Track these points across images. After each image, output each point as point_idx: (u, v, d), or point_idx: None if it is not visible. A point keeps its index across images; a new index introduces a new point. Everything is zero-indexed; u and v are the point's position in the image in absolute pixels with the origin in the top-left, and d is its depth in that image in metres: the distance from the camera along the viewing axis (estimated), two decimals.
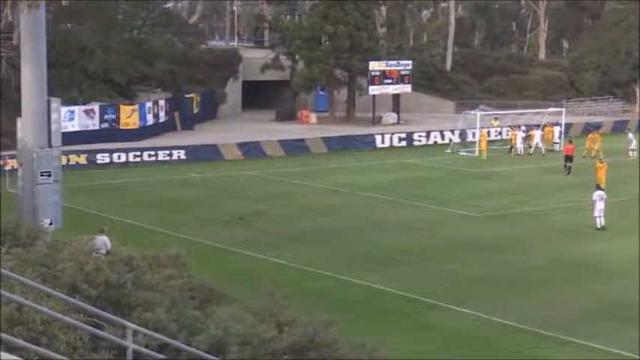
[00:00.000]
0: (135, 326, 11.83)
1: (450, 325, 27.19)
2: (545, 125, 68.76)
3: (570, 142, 56.52)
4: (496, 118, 73.09)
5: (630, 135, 66.95)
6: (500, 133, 70.81)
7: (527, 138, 65.49)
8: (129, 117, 64.64)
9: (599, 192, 40.29)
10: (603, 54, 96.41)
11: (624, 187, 49.28)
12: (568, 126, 71.11)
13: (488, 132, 69.69)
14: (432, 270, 33.29)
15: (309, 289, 29.72)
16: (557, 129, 68.46)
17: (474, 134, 66.99)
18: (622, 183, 50.01)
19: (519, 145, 64.21)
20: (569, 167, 54.92)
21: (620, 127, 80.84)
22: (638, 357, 24.47)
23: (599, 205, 39.81)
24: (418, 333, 26.41)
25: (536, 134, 65.55)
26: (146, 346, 12.00)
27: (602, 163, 50.67)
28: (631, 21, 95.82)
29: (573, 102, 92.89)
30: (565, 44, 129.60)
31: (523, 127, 67.28)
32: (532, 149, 64.63)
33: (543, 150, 64.54)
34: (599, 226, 39.79)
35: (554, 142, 66.58)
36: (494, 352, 24.99)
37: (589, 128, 78.29)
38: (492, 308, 28.39)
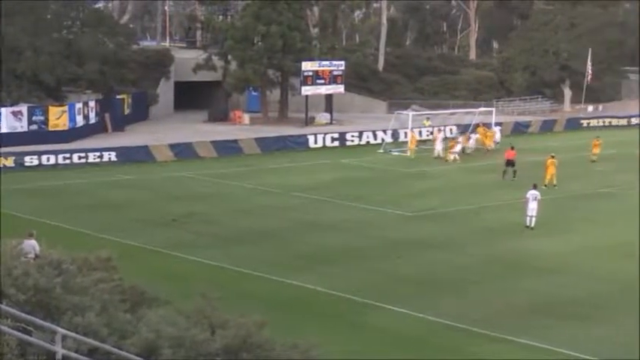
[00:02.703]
0: (64, 331, 11.66)
1: (384, 324, 27.23)
2: (477, 125, 69.29)
3: (512, 147, 56.01)
4: (428, 118, 73.56)
5: (495, 128, 68.84)
6: (431, 133, 71.26)
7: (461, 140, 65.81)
8: (58, 118, 63.87)
9: (533, 191, 40.63)
10: (532, 54, 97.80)
11: (561, 185, 50.09)
12: (498, 125, 71.74)
13: (420, 132, 70.12)
14: (366, 270, 33.33)
15: (243, 291, 29.59)
16: (497, 129, 69.34)
17: (406, 134, 67.34)
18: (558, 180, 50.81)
19: (438, 147, 63.13)
20: (514, 172, 53.10)
21: (548, 127, 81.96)
22: (568, 352, 24.78)
23: (532, 205, 40.20)
24: (352, 333, 26.42)
25: (472, 137, 65.67)
26: (76, 351, 11.83)
27: (553, 158, 51.27)
28: (559, 21, 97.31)
29: (503, 102, 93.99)
30: (495, 44, 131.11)
31: (448, 130, 68.19)
32: (471, 149, 64.78)
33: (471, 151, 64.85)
34: (527, 224, 40.19)
35: (496, 142, 66.89)
36: (428, 351, 25.11)
37: (519, 128, 79.36)
38: (426, 307, 28.53)
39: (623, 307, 29.28)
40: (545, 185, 49.27)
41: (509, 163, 53.95)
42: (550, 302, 29.70)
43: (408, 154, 63.11)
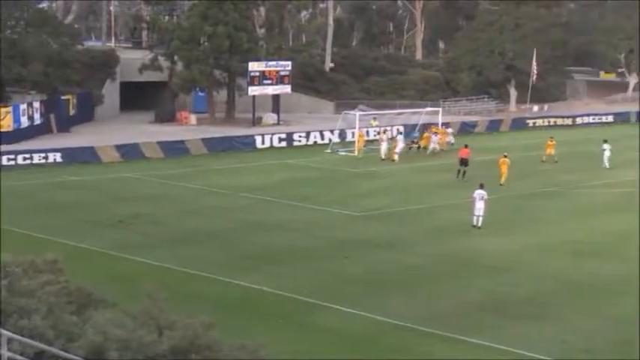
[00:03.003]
0: (10, 334, 11.53)
1: (332, 325, 27.25)
2: (425, 126, 69.62)
3: (466, 146, 55.95)
4: (375, 118, 73.80)
5: (448, 130, 70.19)
6: (378, 133, 71.43)
7: (419, 140, 66.16)
8: (2, 119, 63.03)
9: (480, 191, 40.84)
10: (478, 54, 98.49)
11: (503, 185, 50.52)
12: (445, 125, 72.16)
13: (367, 132, 70.26)
14: (315, 270, 33.36)
15: (191, 291, 29.47)
16: (450, 130, 69.72)
17: (353, 134, 67.50)
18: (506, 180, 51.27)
19: (383, 147, 62.55)
20: (464, 172, 53.21)
21: (494, 127, 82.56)
22: (520, 352, 24.98)
23: (479, 204, 40.44)
24: (300, 333, 26.43)
25: (434, 138, 65.68)
26: (22, 354, 11.71)
27: (505, 158, 51.81)
28: (504, 22, 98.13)
29: (450, 102, 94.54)
30: (441, 45, 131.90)
31: (395, 130, 68.47)
32: (437, 149, 64.93)
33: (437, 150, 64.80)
34: (474, 224, 40.43)
35: (451, 143, 67.00)
36: (377, 351, 25.16)
37: (465, 127, 79.85)
38: (374, 307, 28.58)
39: (573, 306, 29.58)
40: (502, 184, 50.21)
41: (463, 162, 53.94)
42: (501, 301, 29.92)
43: (356, 153, 63.19)
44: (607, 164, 59.07)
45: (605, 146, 60.01)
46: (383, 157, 61.83)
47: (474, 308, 29.15)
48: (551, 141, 62.33)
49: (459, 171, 53.61)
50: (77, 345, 13.08)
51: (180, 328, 14.13)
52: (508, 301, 29.85)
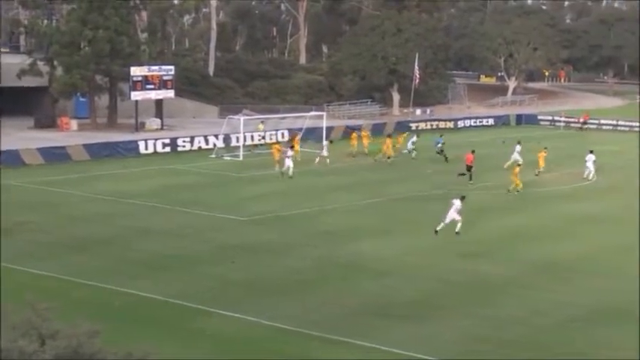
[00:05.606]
0: None
1: (220, 330, 27.09)
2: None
3: (473, 151, 55.92)
4: (262, 122, 73.73)
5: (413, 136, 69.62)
6: (263, 138, 71.33)
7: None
8: None
9: (455, 200, 40.68)
10: (361, 59, 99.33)
11: (389, 188, 50.92)
12: (329, 129, 72.43)
13: (252, 137, 70.13)
14: (201, 275, 33.12)
15: (74, 300, 28.94)
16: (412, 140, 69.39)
17: (237, 139, 67.26)
18: (389, 183, 51.60)
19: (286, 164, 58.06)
20: (470, 175, 54.43)
21: (378, 130, 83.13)
22: (403, 352, 25.16)
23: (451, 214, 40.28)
24: (188, 339, 26.16)
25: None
26: None
27: (518, 167, 52.84)
28: (386, 27, 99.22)
29: (334, 106, 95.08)
30: (325, 49, 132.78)
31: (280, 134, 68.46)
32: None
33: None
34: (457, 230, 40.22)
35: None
36: (264, 355, 25.09)
37: (349, 131, 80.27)
38: (261, 311, 28.51)
39: (458, 307, 29.93)
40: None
41: (468, 168, 54.79)
42: (386, 303, 30.09)
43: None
44: (592, 177, 56.17)
45: (590, 157, 56.77)
46: (285, 172, 56.79)
47: (359, 311, 29.27)
48: (545, 152, 59.52)
49: (470, 176, 54.39)
50: None
51: (64, 337, 13.82)
52: (393, 303, 30.05)
